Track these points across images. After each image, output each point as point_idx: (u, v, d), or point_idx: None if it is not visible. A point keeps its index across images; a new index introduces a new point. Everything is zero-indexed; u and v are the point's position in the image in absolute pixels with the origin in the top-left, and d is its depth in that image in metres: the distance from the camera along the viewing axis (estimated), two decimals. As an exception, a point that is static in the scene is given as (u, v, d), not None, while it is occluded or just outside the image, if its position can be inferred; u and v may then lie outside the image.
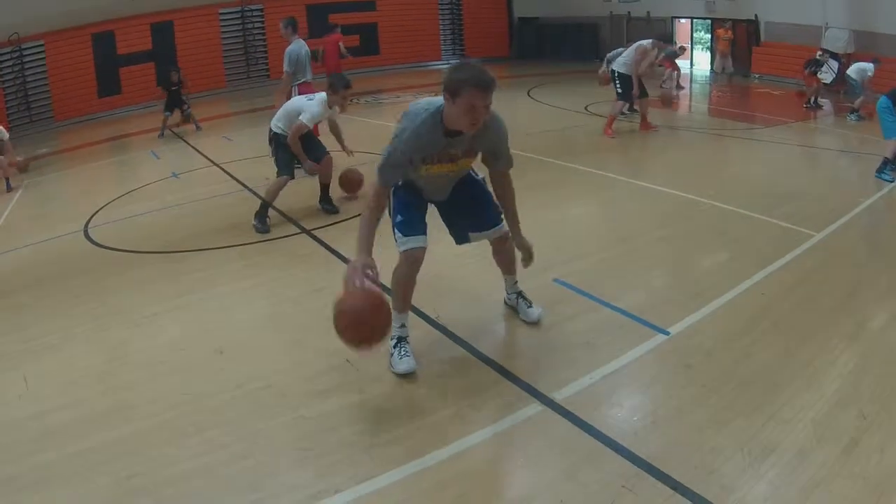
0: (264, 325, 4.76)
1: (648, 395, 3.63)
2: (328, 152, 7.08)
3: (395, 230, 3.79)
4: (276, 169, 6.82)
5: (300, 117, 6.49)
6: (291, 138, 6.55)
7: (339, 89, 6.54)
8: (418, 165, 3.61)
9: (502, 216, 4.03)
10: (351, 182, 7.53)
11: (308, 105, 6.56)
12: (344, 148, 7.39)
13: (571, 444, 3.17)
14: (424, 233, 3.80)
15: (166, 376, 4.02)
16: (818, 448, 3.01)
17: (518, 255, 4.12)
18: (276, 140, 6.78)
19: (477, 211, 4.05)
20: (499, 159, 3.80)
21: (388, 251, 3.83)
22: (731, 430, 3.18)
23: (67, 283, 5.82)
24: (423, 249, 3.76)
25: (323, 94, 6.63)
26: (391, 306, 3.85)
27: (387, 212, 3.78)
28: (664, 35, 11.16)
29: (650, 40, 10.30)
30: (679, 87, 17.00)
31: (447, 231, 4.20)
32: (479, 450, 3.16)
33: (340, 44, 13.98)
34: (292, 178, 6.83)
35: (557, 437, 3.23)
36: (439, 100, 3.48)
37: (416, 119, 3.50)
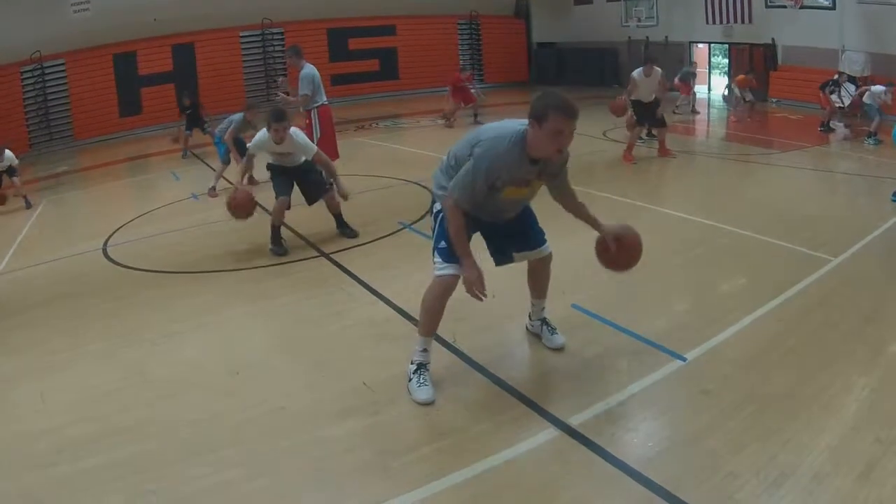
0: (281, 347, 4.78)
1: (664, 421, 3.61)
2: (329, 187, 7.02)
3: (435, 254, 3.80)
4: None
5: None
6: (243, 163, 6.85)
7: (270, 122, 6.31)
8: (501, 188, 3.65)
9: (545, 237, 4.12)
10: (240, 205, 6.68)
11: (256, 135, 6.61)
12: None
13: (587, 470, 3.16)
14: None
15: (182, 395, 4.05)
16: (834, 473, 2.99)
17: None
18: (270, 167, 6.90)
19: (524, 230, 4.09)
20: (557, 177, 3.93)
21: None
22: (748, 455, 3.16)
23: (85, 300, 5.90)
24: (458, 278, 3.76)
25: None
26: (418, 330, 3.89)
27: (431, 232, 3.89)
28: (649, 56, 10.89)
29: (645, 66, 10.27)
30: (694, 111, 17.00)
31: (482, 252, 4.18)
32: (495, 474, 3.15)
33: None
34: (287, 198, 6.76)
35: (573, 463, 3.22)
36: (514, 125, 3.57)
37: (500, 145, 3.54)
